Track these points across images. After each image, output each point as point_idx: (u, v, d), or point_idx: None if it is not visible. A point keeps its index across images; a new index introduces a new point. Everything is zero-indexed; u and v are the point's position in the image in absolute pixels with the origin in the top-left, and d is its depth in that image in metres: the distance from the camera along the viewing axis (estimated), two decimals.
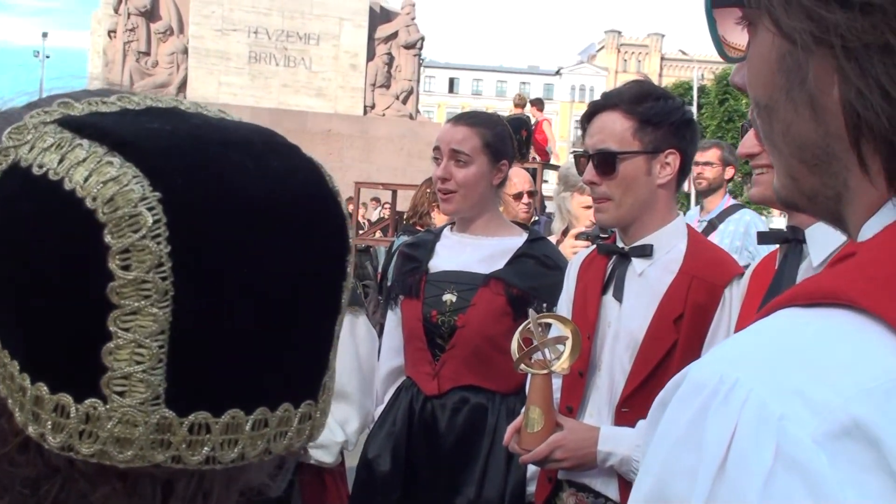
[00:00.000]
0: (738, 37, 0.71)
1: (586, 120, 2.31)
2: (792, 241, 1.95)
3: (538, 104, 14.40)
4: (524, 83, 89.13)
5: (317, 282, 0.64)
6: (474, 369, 2.63)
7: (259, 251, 0.59)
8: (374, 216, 15.86)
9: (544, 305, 2.47)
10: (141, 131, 0.59)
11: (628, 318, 2.24)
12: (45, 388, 0.57)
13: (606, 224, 2.42)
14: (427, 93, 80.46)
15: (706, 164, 5.38)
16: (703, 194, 5.59)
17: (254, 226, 0.59)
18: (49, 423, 0.57)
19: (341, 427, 2.50)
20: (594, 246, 2.50)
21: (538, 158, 12.57)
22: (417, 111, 21.05)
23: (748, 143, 2.01)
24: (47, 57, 51.26)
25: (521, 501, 2.56)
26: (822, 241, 1.75)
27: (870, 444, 0.49)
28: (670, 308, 2.18)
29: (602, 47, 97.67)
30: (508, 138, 2.79)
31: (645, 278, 2.25)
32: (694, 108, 27.92)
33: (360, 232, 11.54)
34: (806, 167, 0.67)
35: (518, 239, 2.73)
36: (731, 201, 5.53)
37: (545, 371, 2.17)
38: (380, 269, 5.79)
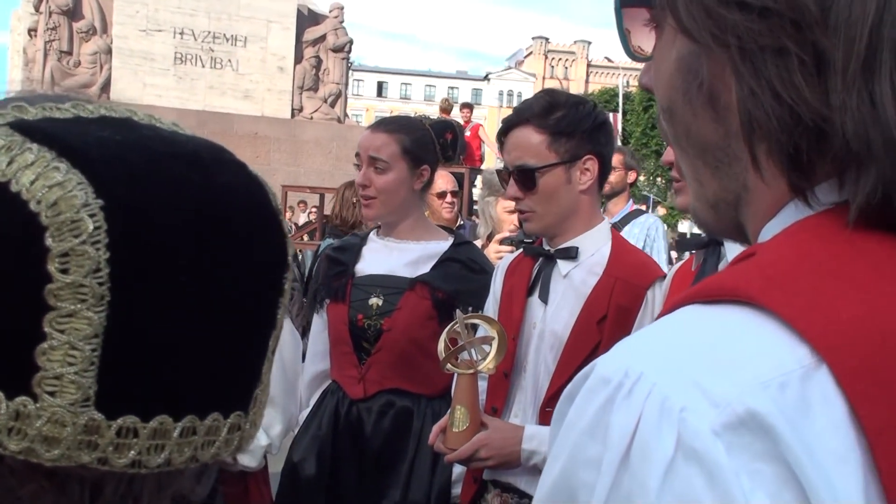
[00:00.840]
0: (647, 39, 0.72)
1: (502, 135, 2.33)
2: (711, 244, 2.01)
3: (468, 107, 14.44)
4: (452, 88, 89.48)
5: (253, 296, 0.65)
6: (400, 372, 2.63)
7: (197, 263, 0.60)
8: (302, 220, 15.74)
9: (469, 309, 2.49)
10: (90, 139, 0.61)
11: (553, 319, 2.27)
12: None
13: (534, 233, 2.45)
14: (356, 96, 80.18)
15: None
16: (606, 198, 5.69)
17: (194, 238, 0.60)
18: None
19: (265, 431, 2.48)
20: (520, 250, 2.52)
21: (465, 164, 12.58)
22: (346, 115, 20.91)
23: (671, 150, 2.05)
24: None
25: (447, 503, 2.57)
26: None
27: (765, 433, 0.52)
28: (594, 309, 2.22)
29: (530, 53, 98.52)
30: (430, 143, 2.79)
31: (570, 280, 2.28)
32: (619, 115, 28.39)
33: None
34: (709, 170, 0.69)
35: (444, 243, 2.74)
36: (635, 206, 5.65)
37: (471, 371, 2.19)
38: (306, 273, 5.72)
